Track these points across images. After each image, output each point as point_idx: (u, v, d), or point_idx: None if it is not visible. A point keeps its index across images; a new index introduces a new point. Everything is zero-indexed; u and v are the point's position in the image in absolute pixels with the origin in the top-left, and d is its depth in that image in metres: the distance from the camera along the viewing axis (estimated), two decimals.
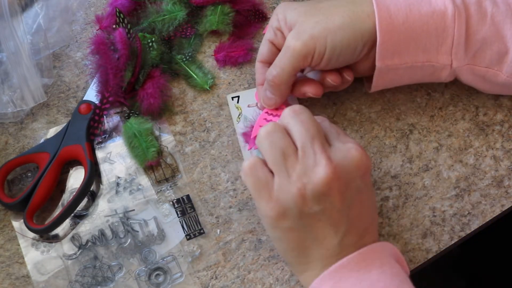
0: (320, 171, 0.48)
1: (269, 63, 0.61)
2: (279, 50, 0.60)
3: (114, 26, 0.68)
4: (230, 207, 0.62)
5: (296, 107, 0.52)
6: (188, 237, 0.61)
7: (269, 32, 0.62)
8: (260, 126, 0.62)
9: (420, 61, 0.58)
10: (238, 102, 0.67)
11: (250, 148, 0.64)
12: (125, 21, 0.67)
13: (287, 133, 0.51)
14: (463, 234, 0.61)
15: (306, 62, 0.58)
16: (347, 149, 0.50)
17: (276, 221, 0.50)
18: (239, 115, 0.66)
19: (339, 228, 0.50)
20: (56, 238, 0.61)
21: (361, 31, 0.56)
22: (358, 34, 0.56)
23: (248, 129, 0.64)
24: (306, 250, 0.51)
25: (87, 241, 0.61)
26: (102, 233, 0.61)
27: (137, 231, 0.61)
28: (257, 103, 0.66)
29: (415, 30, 0.56)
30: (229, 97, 0.67)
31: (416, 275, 0.56)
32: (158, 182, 0.63)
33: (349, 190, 0.50)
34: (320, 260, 0.51)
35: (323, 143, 0.50)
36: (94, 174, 0.62)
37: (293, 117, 0.52)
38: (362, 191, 0.51)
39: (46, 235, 0.61)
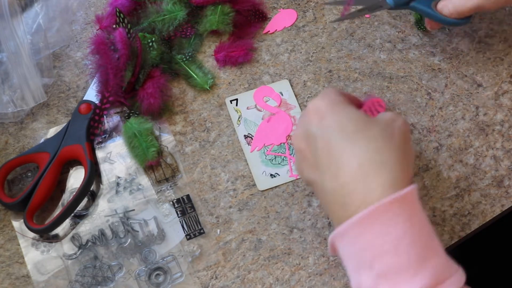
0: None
1: None
2: None
3: (114, 26, 0.68)
4: (230, 207, 0.62)
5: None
6: (188, 237, 0.61)
7: None
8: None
9: None
10: (236, 105, 0.67)
11: (253, 150, 0.64)
12: (125, 21, 0.67)
13: None
14: (463, 234, 0.61)
15: None
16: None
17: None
18: (239, 118, 0.66)
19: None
20: (56, 238, 0.61)
21: None
22: None
23: None
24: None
25: (87, 241, 0.61)
26: (102, 233, 0.61)
27: (137, 231, 0.61)
28: (256, 105, 0.67)
29: None
30: (227, 100, 0.67)
31: None
32: (158, 182, 0.63)
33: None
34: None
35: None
36: (94, 174, 0.62)
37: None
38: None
39: (46, 235, 0.61)
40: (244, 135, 0.65)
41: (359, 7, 0.67)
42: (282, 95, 0.67)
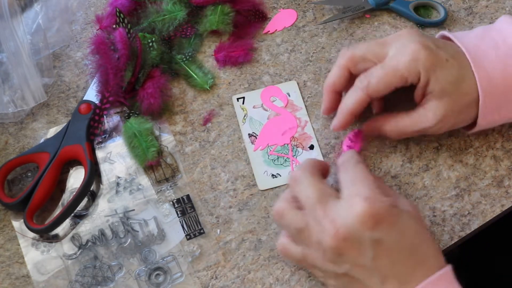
0: (325, 238, 0.51)
1: (340, 91, 0.62)
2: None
3: (114, 26, 0.68)
4: (230, 207, 0.62)
5: (296, 173, 0.55)
6: (188, 237, 0.61)
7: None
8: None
9: None
10: (243, 103, 0.67)
11: (256, 149, 0.64)
12: (125, 21, 0.67)
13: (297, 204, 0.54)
14: (463, 234, 0.61)
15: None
16: (349, 205, 0.51)
17: (324, 280, 0.56)
18: (244, 116, 0.66)
19: (372, 280, 0.51)
20: (56, 238, 0.61)
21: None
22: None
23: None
24: None
25: (87, 241, 0.61)
26: (102, 233, 0.61)
27: (137, 231, 0.61)
28: (262, 104, 0.67)
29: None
30: (234, 98, 0.67)
31: None
32: (158, 182, 0.63)
33: (362, 244, 0.50)
34: None
35: (325, 206, 0.52)
36: (94, 174, 0.62)
37: (294, 187, 0.55)
38: (381, 242, 0.50)
39: (46, 235, 0.61)
40: (249, 134, 0.65)
41: (341, 7, 0.72)
42: (289, 96, 0.67)
